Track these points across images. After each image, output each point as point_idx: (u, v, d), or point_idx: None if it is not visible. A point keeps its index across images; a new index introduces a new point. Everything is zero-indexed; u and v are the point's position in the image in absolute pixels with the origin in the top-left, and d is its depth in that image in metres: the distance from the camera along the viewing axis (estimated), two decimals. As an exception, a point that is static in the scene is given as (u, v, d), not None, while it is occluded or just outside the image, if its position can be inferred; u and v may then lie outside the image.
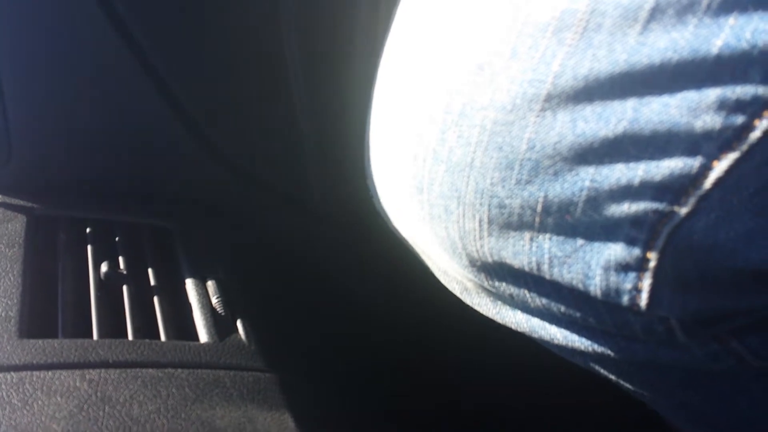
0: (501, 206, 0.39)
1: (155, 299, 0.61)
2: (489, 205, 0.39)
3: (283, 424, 0.50)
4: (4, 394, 0.46)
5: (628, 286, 0.36)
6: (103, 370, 0.50)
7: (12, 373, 0.48)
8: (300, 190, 0.82)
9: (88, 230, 0.67)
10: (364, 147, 0.52)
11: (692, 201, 0.33)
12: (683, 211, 0.33)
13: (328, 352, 0.66)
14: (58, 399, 0.47)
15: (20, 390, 0.47)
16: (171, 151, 0.76)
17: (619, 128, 0.34)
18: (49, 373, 0.49)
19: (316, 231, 0.82)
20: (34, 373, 0.49)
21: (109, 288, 0.61)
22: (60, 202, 0.69)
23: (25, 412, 0.45)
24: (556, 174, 0.36)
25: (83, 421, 0.46)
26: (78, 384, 0.48)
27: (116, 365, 0.51)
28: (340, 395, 0.60)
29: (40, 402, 0.46)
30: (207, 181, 0.78)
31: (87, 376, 0.49)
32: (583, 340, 0.43)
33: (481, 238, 0.41)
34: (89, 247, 0.65)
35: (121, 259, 0.64)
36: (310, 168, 0.82)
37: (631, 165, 0.34)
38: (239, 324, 0.60)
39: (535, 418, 0.77)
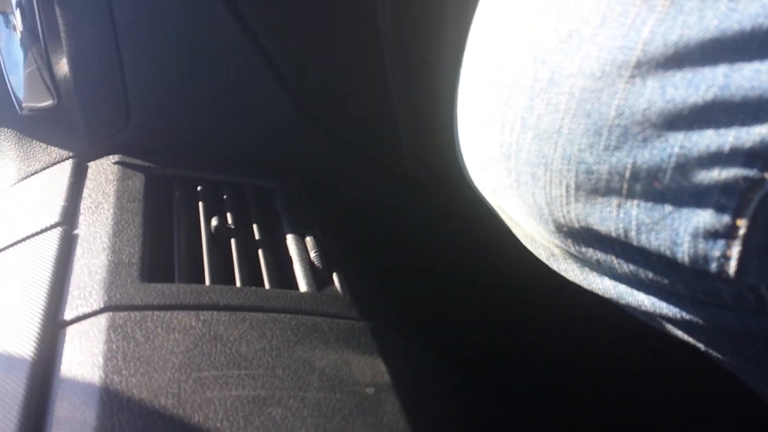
0: (588, 172, 0.39)
1: (259, 252, 0.66)
2: (576, 171, 0.40)
3: (376, 369, 0.54)
4: (129, 330, 0.52)
5: (716, 253, 0.36)
6: (215, 312, 0.55)
7: (135, 312, 0.53)
8: (391, 155, 0.85)
9: (199, 188, 0.72)
10: (454, 114, 0.53)
11: None
12: None
13: (417, 306, 0.69)
14: (176, 336, 0.52)
15: (143, 327, 0.52)
16: (273, 117, 0.80)
17: (709, 94, 0.34)
18: (168, 313, 0.54)
19: (405, 195, 0.85)
20: (155, 312, 0.54)
21: (218, 241, 0.66)
22: (174, 162, 0.74)
23: (147, 346, 0.51)
24: (644, 140, 0.36)
25: (198, 356, 0.51)
26: (193, 323, 0.53)
27: (226, 308, 0.56)
28: (429, 345, 0.63)
29: (160, 338, 0.52)
30: (306, 146, 0.82)
31: (201, 317, 0.54)
32: (672, 307, 0.43)
33: (567, 204, 0.42)
34: (200, 204, 0.70)
35: (228, 215, 0.69)
36: (402, 133, 0.84)
37: (721, 131, 0.34)
38: (335, 276, 0.64)
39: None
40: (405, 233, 0.82)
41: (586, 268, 0.48)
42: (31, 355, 0.50)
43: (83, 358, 0.49)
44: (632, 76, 0.36)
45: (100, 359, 0.49)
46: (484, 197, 0.52)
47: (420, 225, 0.82)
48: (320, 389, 0.51)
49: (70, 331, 0.52)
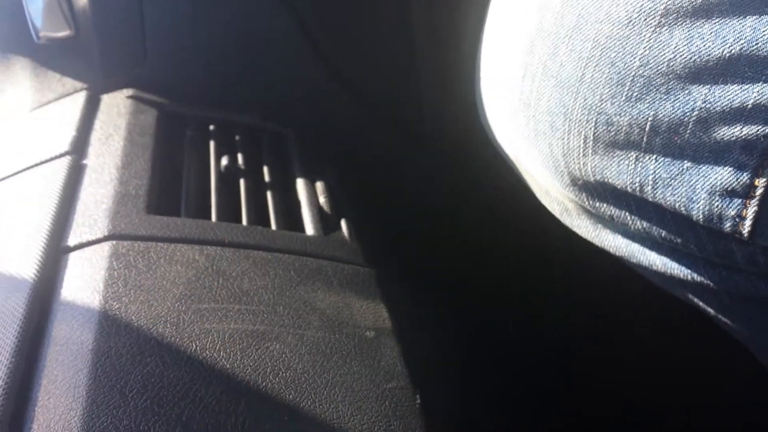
0: (608, 123, 0.38)
1: (268, 194, 0.65)
2: (596, 122, 0.39)
3: (377, 314, 0.54)
4: (131, 259, 0.52)
5: (732, 212, 0.35)
6: (219, 248, 0.55)
7: (139, 242, 0.53)
8: (410, 113, 0.84)
9: (211, 128, 0.72)
10: (476, 66, 0.53)
11: None
12: None
13: (422, 257, 0.69)
14: (179, 268, 0.52)
15: (145, 257, 0.52)
16: (293, 64, 0.79)
17: (736, 48, 0.33)
18: (172, 245, 0.54)
19: (421, 152, 0.84)
20: (158, 244, 0.54)
21: (227, 180, 0.65)
22: (188, 101, 0.74)
23: (149, 275, 0.50)
24: (668, 92, 0.36)
25: (199, 288, 0.50)
26: (197, 257, 0.53)
27: (231, 245, 0.55)
28: (430, 293, 0.62)
29: (162, 269, 0.51)
30: (323, 95, 0.81)
31: (205, 252, 0.54)
32: (683, 268, 0.42)
33: (585, 155, 0.41)
34: (212, 143, 0.69)
35: (239, 155, 0.68)
36: (424, 91, 0.83)
37: (746, 87, 0.33)
38: (342, 223, 0.63)
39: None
40: (418, 191, 0.82)
41: (599, 225, 0.47)
42: (34, 277, 0.50)
43: (84, 283, 0.49)
44: (659, 25, 0.35)
45: (101, 285, 0.49)
46: (501, 149, 0.51)
47: (434, 185, 0.82)
48: (320, 329, 0.50)
49: (73, 257, 0.52)
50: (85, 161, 0.62)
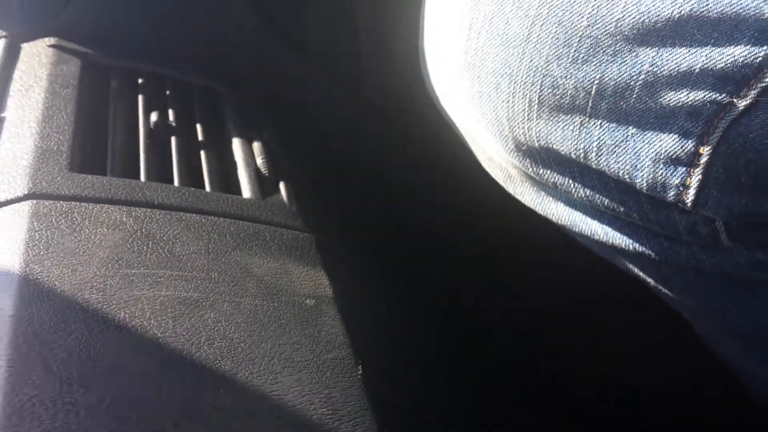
0: (554, 86, 0.38)
1: (202, 153, 0.62)
2: (541, 85, 0.38)
3: (317, 281, 0.52)
4: (53, 220, 0.48)
5: (675, 180, 0.35)
6: (148, 210, 0.52)
7: (62, 202, 0.50)
8: (353, 70, 0.82)
9: (140, 81, 0.68)
10: (419, 27, 0.51)
11: (753, 94, 0.32)
12: (742, 104, 0.32)
13: (362, 220, 0.67)
14: (105, 230, 0.49)
15: (69, 218, 0.49)
16: (228, 16, 0.76)
17: (686, 8, 0.32)
18: (97, 206, 0.50)
19: (366, 111, 0.82)
20: (83, 204, 0.50)
21: (157, 137, 0.62)
22: (114, 51, 0.69)
23: (72, 238, 0.47)
24: (614, 54, 0.35)
25: (128, 252, 0.47)
26: (124, 219, 0.50)
27: (161, 207, 0.52)
28: (371, 257, 0.61)
29: (87, 231, 0.48)
30: (261, 50, 0.78)
31: (133, 213, 0.51)
32: (625, 238, 0.42)
33: (529, 119, 0.40)
34: (140, 97, 0.65)
35: (170, 111, 0.65)
36: (363, 50, 0.81)
37: (694, 50, 0.33)
38: (281, 185, 0.61)
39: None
40: (359, 151, 0.80)
41: (542, 192, 0.47)
42: (-55, 240, 0.46)
43: (2, 245, 0.46)
44: None
45: (21, 247, 0.45)
46: (444, 112, 0.50)
47: (377, 140, 0.80)
48: (257, 296, 0.48)
49: (-10, 217, 0.48)
50: (2, 114, 0.58)
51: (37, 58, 0.65)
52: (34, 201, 0.49)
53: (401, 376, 0.50)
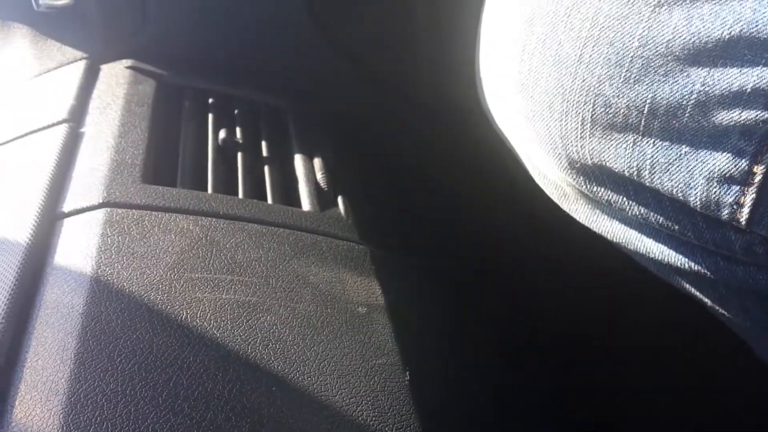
0: (606, 105, 0.38)
1: (265, 168, 0.65)
2: (594, 104, 0.39)
3: (370, 290, 0.53)
4: (125, 227, 0.51)
5: (729, 199, 0.35)
6: (213, 219, 0.54)
7: (134, 211, 0.53)
8: (409, 84, 0.83)
9: (210, 101, 0.71)
10: (476, 43, 0.52)
11: None
12: None
13: (416, 233, 0.68)
14: (172, 237, 0.52)
15: (139, 225, 0.52)
16: (294, 35, 0.78)
17: (736, 29, 0.32)
18: (166, 215, 0.53)
19: (420, 123, 0.84)
20: (153, 213, 0.53)
21: (224, 153, 0.65)
22: (187, 73, 0.73)
23: (142, 243, 0.50)
24: (666, 74, 0.35)
25: (192, 258, 0.50)
26: (191, 227, 0.53)
27: (226, 217, 0.55)
28: (422, 269, 0.62)
29: (155, 237, 0.51)
30: (323, 68, 0.80)
31: (199, 222, 0.54)
32: (680, 256, 0.42)
33: (582, 138, 0.40)
34: (210, 116, 0.69)
35: (238, 129, 0.68)
36: (422, 62, 0.82)
37: (745, 70, 0.33)
38: (339, 199, 0.63)
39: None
40: (418, 168, 0.81)
41: (597, 210, 0.47)
42: (27, 242, 0.49)
43: (77, 249, 0.49)
44: (659, 5, 0.35)
45: (94, 251, 0.49)
46: (499, 129, 0.51)
47: (432, 155, 0.81)
48: (312, 303, 0.50)
49: (68, 223, 0.52)
50: (82, 129, 0.62)
51: (114, 79, 0.69)
52: (108, 209, 0.53)
53: (448, 383, 0.51)
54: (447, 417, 0.48)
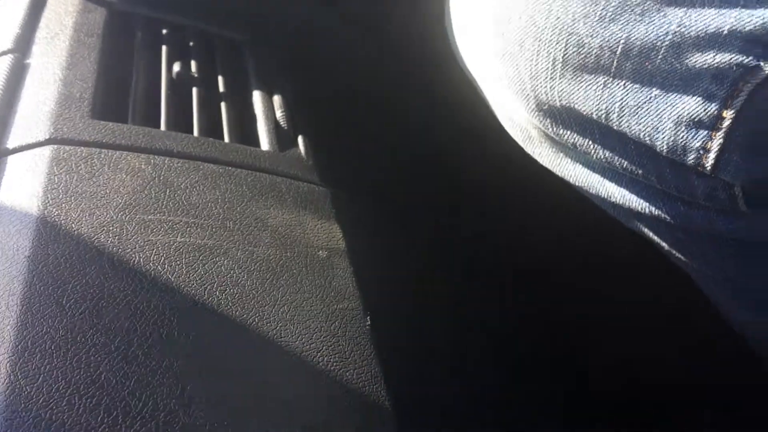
0: (579, 45, 0.37)
1: (222, 105, 0.62)
2: (566, 43, 0.38)
3: (331, 233, 0.52)
4: (73, 165, 0.49)
5: (696, 144, 0.35)
6: (167, 158, 0.52)
7: (82, 148, 0.51)
8: (379, 22, 0.81)
9: (164, 32, 0.68)
10: None
11: None
12: None
13: (378, 176, 0.67)
14: (123, 176, 0.49)
15: (88, 163, 0.49)
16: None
17: None
18: (117, 153, 0.51)
19: (387, 64, 0.82)
20: (103, 150, 0.51)
21: (179, 88, 0.62)
22: (139, 0, 0.69)
23: (91, 182, 0.48)
24: (642, 14, 0.34)
25: (145, 199, 0.48)
26: (143, 166, 0.51)
27: (180, 155, 0.53)
28: (384, 213, 0.61)
29: (106, 176, 0.49)
30: (290, 4, 0.77)
31: (152, 161, 0.51)
32: (642, 201, 0.42)
33: (552, 78, 0.40)
34: (164, 48, 0.66)
35: (193, 63, 0.65)
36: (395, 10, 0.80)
37: (723, 11, 0.32)
38: (300, 139, 0.61)
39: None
40: (382, 103, 0.79)
41: (561, 154, 0.46)
42: (-32, 179, 0.47)
43: (23, 187, 0.47)
44: None
45: (40, 190, 0.46)
46: (467, 69, 0.50)
47: (398, 96, 0.79)
48: (271, 246, 0.49)
49: (12, 160, 0.49)
50: (28, 60, 0.59)
51: (63, 7, 0.65)
52: (56, 146, 0.50)
53: (408, 327, 0.51)
54: (407, 361, 0.47)
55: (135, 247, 0.44)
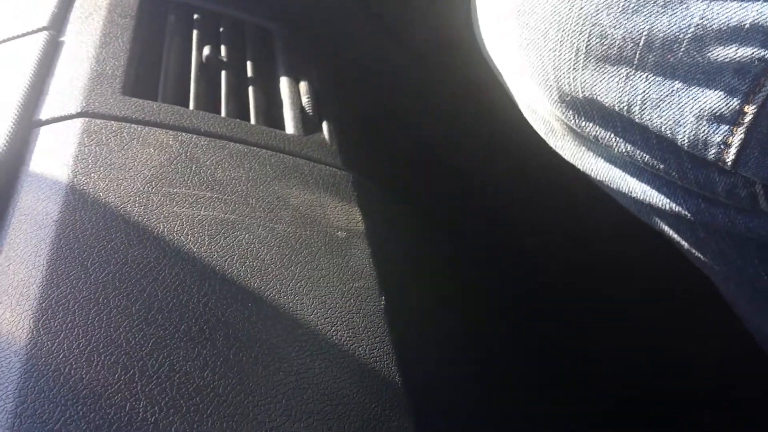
0: (602, 36, 0.37)
1: (250, 88, 0.63)
2: (590, 34, 0.38)
3: (350, 215, 0.53)
4: (102, 137, 0.50)
5: (717, 138, 0.35)
6: (194, 136, 0.53)
7: (112, 122, 0.52)
8: (403, 20, 0.82)
9: (195, 16, 0.69)
10: None
11: None
12: None
13: (399, 162, 0.68)
14: (151, 150, 0.51)
15: (118, 137, 0.51)
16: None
17: None
18: (146, 128, 0.52)
19: (411, 59, 0.82)
20: (132, 126, 0.52)
21: (208, 71, 0.63)
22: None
23: (120, 155, 0.49)
24: (665, 5, 0.34)
25: (171, 173, 0.49)
26: (171, 142, 0.52)
27: (207, 134, 0.54)
28: (403, 198, 0.62)
29: (134, 150, 0.50)
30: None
31: (179, 138, 0.53)
32: (662, 197, 0.42)
33: (575, 69, 0.40)
34: (195, 32, 0.67)
35: (222, 47, 0.66)
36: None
37: (745, 4, 0.32)
38: (324, 124, 0.62)
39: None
40: (407, 98, 0.80)
41: (583, 147, 0.46)
42: (2, 148, 0.48)
43: (54, 157, 0.48)
44: None
45: (70, 160, 0.47)
46: (490, 59, 0.50)
47: (421, 87, 0.80)
48: (291, 224, 0.50)
49: (44, 131, 0.51)
50: (62, 38, 0.60)
51: (98, -12, 0.67)
52: (87, 119, 0.51)
53: (422, 308, 0.51)
54: (420, 339, 0.48)
55: (160, 218, 0.45)
